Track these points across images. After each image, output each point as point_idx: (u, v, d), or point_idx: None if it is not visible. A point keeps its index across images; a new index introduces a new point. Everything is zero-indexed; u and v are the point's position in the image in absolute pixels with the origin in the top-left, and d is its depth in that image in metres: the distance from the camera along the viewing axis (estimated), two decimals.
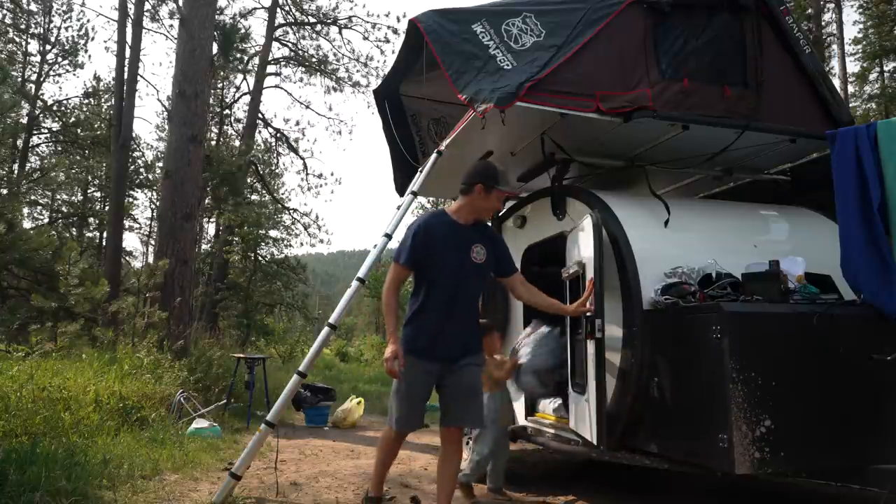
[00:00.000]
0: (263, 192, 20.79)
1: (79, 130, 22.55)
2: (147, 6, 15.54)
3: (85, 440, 4.65)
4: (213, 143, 18.82)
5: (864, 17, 21.23)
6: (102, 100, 23.69)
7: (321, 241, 31.00)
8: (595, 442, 3.28)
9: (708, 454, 2.80)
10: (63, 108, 23.14)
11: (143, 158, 23.87)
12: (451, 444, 3.13)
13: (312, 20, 20.65)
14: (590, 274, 3.40)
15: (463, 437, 3.20)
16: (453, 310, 3.05)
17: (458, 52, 3.96)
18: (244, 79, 20.52)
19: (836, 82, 18.54)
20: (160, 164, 19.18)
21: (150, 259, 14.79)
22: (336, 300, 6.15)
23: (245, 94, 20.45)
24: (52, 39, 22.04)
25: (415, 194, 4.51)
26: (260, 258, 21.32)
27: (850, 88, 21.17)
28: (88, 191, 27.06)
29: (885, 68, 21.55)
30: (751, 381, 2.70)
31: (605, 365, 3.32)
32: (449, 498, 3.08)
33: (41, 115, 22.16)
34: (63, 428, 4.78)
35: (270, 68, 20.30)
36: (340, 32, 20.44)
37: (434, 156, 4.50)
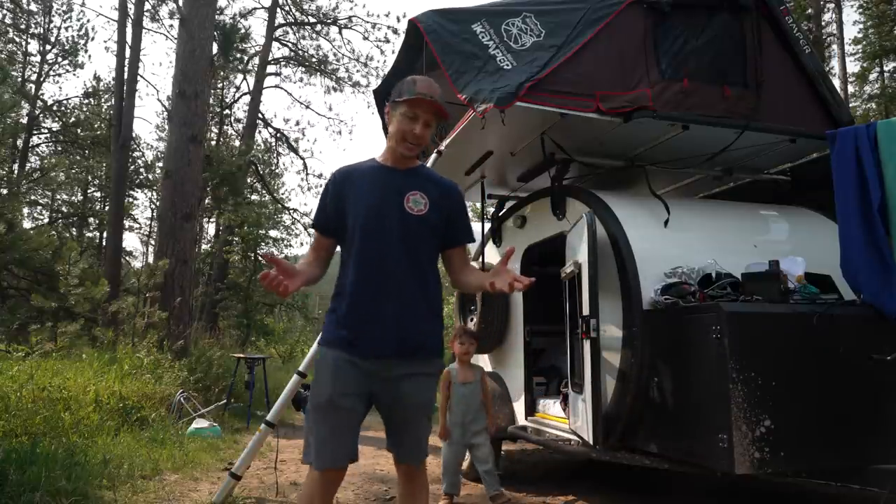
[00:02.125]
0: (263, 192, 20.79)
1: (79, 130, 22.55)
2: (147, 6, 15.54)
3: (85, 440, 4.66)
4: (213, 143, 18.81)
5: (864, 17, 21.23)
6: (102, 100, 23.71)
7: None
8: (592, 442, 3.28)
9: (708, 454, 2.80)
10: (63, 108, 23.15)
11: (143, 158, 23.91)
12: (409, 483, 2.19)
13: (312, 20, 20.65)
14: (586, 274, 3.39)
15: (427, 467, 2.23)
16: (387, 282, 2.09)
17: (458, 52, 3.96)
18: (244, 79, 20.53)
19: (836, 82, 18.55)
20: (160, 164, 19.18)
21: (150, 259, 14.79)
22: None
23: (245, 94, 20.47)
24: (52, 39, 22.06)
25: None
26: (260, 258, 21.31)
27: (850, 88, 21.18)
28: (88, 191, 27.07)
29: (885, 68, 21.56)
30: (751, 381, 2.70)
31: (601, 365, 3.32)
32: None
33: (41, 115, 22.16)
34: (63, 428, 4.78)
35: (270, 68, 20.32)
36: (340, 32, 20.48)
37: (434, 156, 4.50)
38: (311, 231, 2.20)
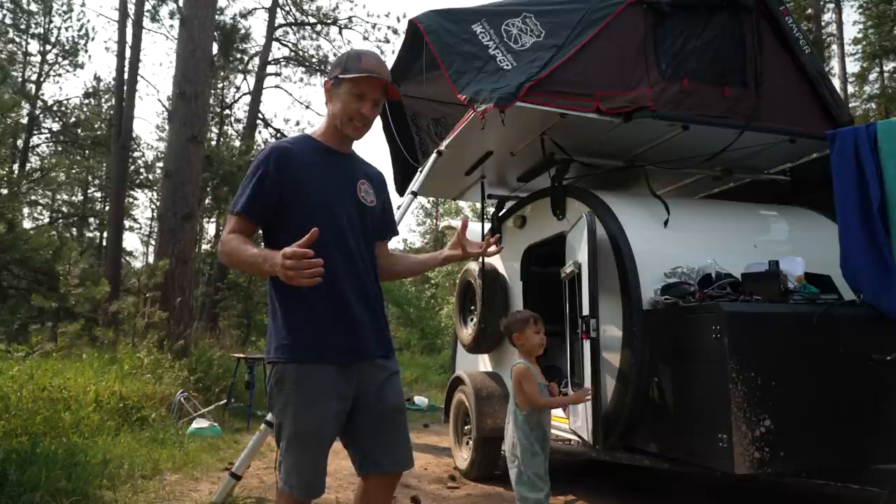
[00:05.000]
0: None
1: (79, 130, 22.59)
2: (147, 6, 15.56)
3: (85, 440, 4.66)
4: (213, 143, 18.82)
5: (864, 17, 21.23)
6: (102, 100, 23.76)
7: None
8: (592, 442, 3.28)
9: (708, 454, 2.80)
10: (63, 109, 23.18)
11: (143, 158, 23.95)
12: (382, 497, 1.99)
13: (312, 20, 20.64)
14: (586, 274, 3.39)
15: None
16: (353, 278, 1.94)
17: (458, 53, 3.96)
18: (244, 79, 20.53)
19: (836, 82, 18.55)
20: (160, 164, 19.21)
21: (150, 259, 14.80)
22: None
23: (245, 94, 20.46)
24: (52, 39, 22.05)
25: (415, 194, 4.51)
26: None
27: (850, 88, 21.20)
28: (88, 191, 27.11)
29: (885, 68, 21.57)
30: (751, 381, 2.70)
31: (600, 365, 3.32)
32: None
33: (41, 115, 22.19)
34: (63, 428, 4.79)
35: (270, 68, 20.29)
36: (340, 33, 20.44)
37: (434, 156, 4.50)
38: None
